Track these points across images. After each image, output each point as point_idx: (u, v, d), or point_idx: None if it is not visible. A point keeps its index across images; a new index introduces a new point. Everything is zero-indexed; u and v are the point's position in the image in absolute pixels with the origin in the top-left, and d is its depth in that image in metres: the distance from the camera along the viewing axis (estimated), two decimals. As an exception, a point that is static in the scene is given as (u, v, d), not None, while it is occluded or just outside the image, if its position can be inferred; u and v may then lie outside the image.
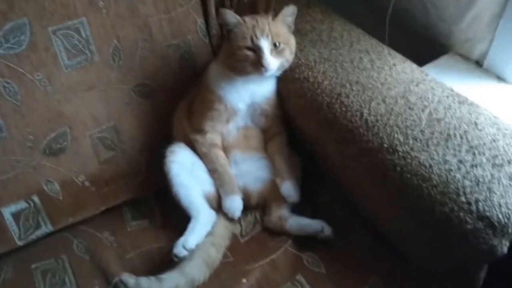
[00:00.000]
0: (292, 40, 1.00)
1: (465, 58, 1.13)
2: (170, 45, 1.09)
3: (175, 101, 1.10)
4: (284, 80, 1.03)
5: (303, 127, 1.03)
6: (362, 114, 0.89)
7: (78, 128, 1.03)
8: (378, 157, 0.85)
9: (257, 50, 0.95)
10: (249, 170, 1.04)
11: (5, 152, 0.97)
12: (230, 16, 0.97)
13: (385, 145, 0.84)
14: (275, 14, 0.99)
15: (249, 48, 0.95)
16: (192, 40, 1.11)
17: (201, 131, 1.03)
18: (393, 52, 1.02)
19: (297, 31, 1.04)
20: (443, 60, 1.13)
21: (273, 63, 0.95)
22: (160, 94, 1.10)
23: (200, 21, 1.12)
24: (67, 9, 0.97)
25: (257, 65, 0.95)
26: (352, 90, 0.93)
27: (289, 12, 0.99)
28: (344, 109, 0.91)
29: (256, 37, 0.94)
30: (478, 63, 1.11)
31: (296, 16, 1.01)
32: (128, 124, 1.08)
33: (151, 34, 1.06)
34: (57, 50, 0.98)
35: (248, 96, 1.02)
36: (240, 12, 1.06)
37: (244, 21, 0.97)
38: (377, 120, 0.87)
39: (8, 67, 0.94)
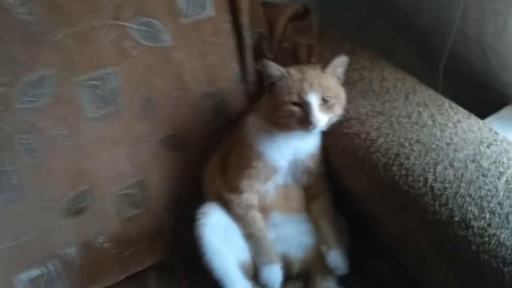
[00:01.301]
0: (343, 94, 0.90)
1: (531, 110, 1.02)
2: (204, 93, 1.00)
3: (207, 154, 1.00)
4: (331, 134, 0.92)
5: (352, 188, 0.92)
6: (426, 179, 0.77)
7: (100, 186, 0.93)
8: (447, 231, 0.72)
9: (304, 106, 0.85)
10: (290, 235, 0.93)
11: (19, 214, 0.87)
12: (274, 68, 0.87)
13: (456, 219, 0.72)
14: (322, 63, 0.89)
15: (295, 104, 0.85)
16: (227, 88, 1.02)
17: (236, 190, 0.93)
18: (454, 105, 0.90)
19: (345, 80, 0.94)
20: (505, 112, 1.02)
21: (322, 119, 0.85)
22: (191, 146, 1.01)
23: (236, 67, 1.03)
24: (94, 59, 0.89)
25: (304, 122, 0.85)
26: (413, 150, 0.82)
27: (340, 63, 0.89)
28: (404, 172, 0.80)
29: (304, 92, 0.84)
30: (546, 117, 1.01)
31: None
32: (155, 180, 0.99)
33: (184, 83, 0.97)
34: (81, 102, 0.89)
35: (290, 152, 0.91)
36: (280, 59, 0.97)
37: (290, 73, 0.87)
38: (445, 188, 0.75)
39: (26, 122, 0.85)
